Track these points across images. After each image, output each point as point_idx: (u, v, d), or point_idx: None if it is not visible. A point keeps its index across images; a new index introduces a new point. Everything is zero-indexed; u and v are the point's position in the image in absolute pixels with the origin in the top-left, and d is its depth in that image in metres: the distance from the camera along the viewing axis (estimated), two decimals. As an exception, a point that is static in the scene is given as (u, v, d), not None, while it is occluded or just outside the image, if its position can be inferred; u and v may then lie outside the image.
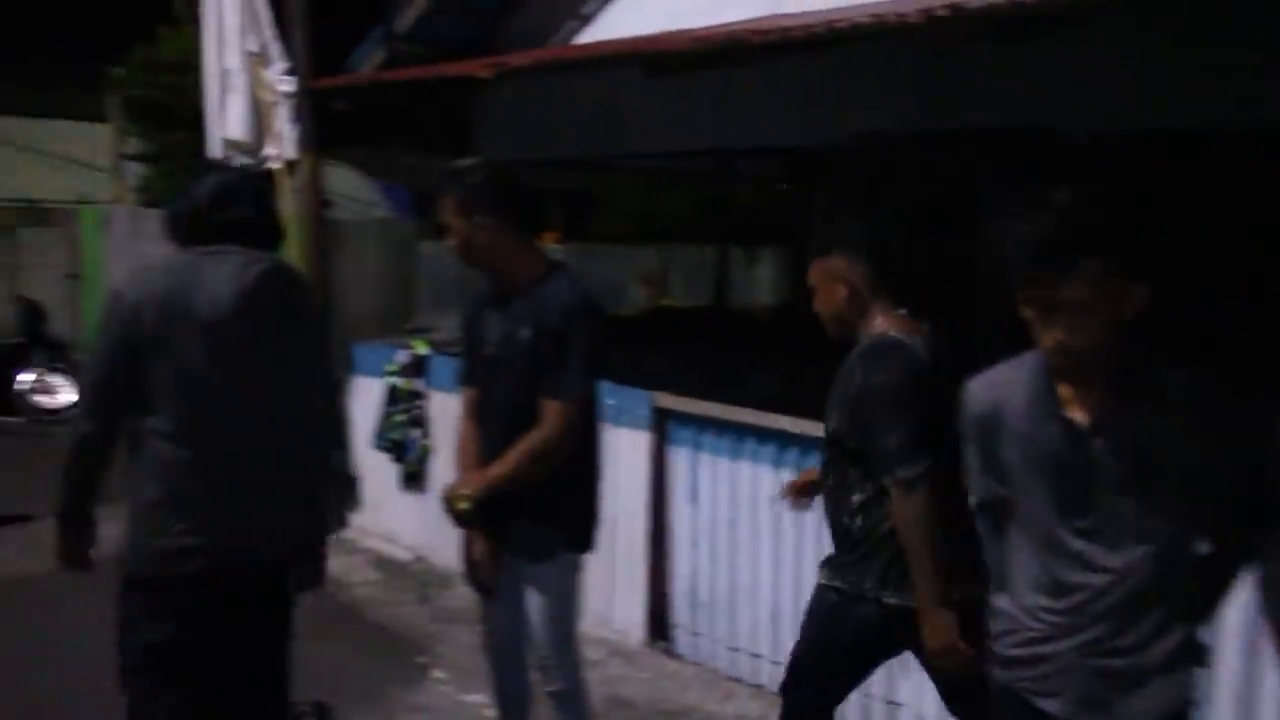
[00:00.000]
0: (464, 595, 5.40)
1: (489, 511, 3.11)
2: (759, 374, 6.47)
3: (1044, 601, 2.16)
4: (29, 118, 18.56)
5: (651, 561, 4.87)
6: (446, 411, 5.80)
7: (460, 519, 3.12)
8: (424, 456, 5.93)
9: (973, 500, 2.39)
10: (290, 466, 2.91)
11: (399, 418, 5.96)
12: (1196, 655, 2.17)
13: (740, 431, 4.50)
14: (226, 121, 6.77)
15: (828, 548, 3.99)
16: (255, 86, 6.72)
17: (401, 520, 6.20)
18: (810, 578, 4.12)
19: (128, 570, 2.82)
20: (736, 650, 4.58)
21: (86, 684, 3.71)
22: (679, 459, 4.79)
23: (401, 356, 6.01)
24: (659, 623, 4.88)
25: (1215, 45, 4.15)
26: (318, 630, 4.98)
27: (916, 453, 2.77)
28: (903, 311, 2.99)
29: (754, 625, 4.49)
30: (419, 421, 5.92)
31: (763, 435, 4.38)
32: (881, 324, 2.95)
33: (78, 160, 17.46)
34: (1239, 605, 2.84)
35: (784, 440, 4.29)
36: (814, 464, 4.04)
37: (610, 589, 4.95)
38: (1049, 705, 2.16)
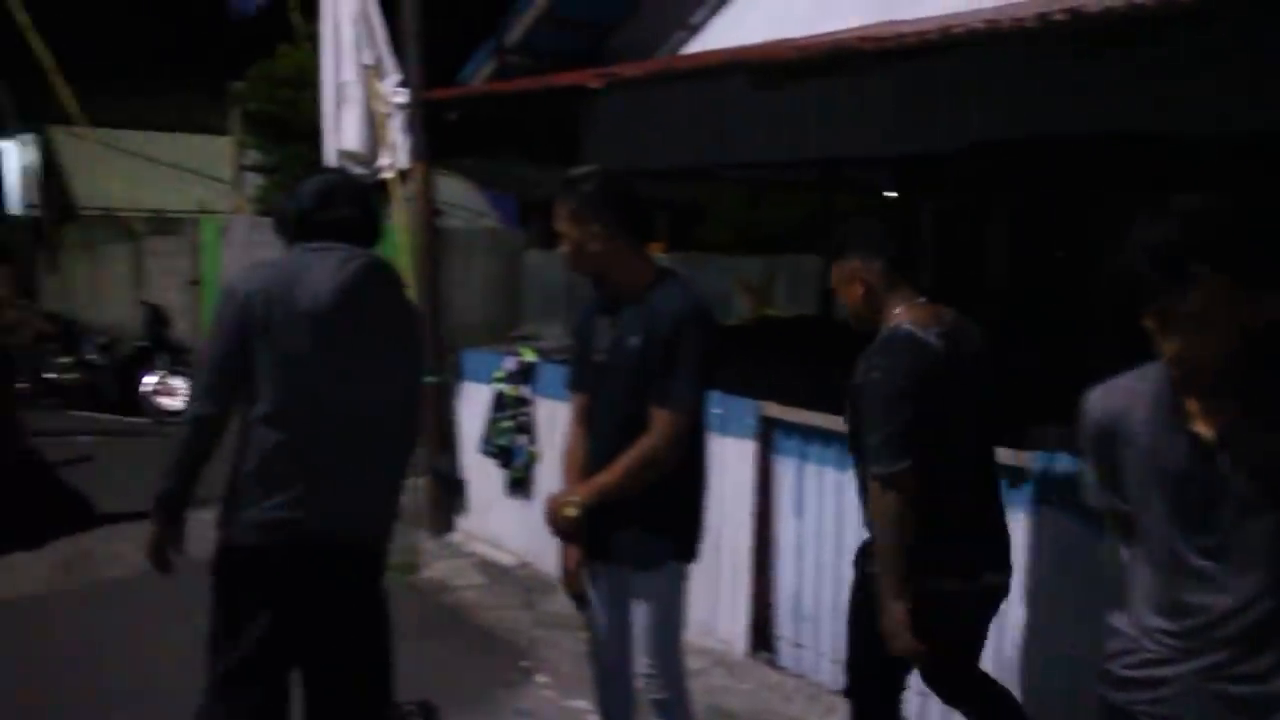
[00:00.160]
0: (568, 601, 5.43)
1: (596, 520, 3.12)
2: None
3: (1163, 623, 2.09)
4: (157, 131, 19.25)
5: (756, 572, 4.83)
6: (553, 418, 5.86)
7: (566, 528, 3.09)
8: (530, 462, 5.99)
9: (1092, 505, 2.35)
10: (379, 453, 3.06)
11: (506, 424, 6.02)
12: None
13: (846, 442, 4.43)
14: (342, 133, 6.94)
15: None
16: (370, 98, 6.88)
17: (507, 525, 6.27)
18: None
19: (221, 539, 2.98)
20: (841, 664, 4.52)
21: (194, 682, 3.84)
22: (785, 469, 4.75)
23: (509, 363, 6.08)
24: (762, 634, 4.84)
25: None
26: (424, 632, 5.11)
27: (897, 452, 2.90)
28: (922, 300, 3.08)
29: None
30: (526, 428, 5.98)
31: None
32: (899, 315, 3.05)
33: (201, 172, 18.06)
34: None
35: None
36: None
37: (714, 599, 4.93)
38: (1167, 730, 2.10)
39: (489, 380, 6.17)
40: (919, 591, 2.95)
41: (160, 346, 10.88)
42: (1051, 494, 3.69)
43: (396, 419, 3.12)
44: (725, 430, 4.77)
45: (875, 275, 3.09)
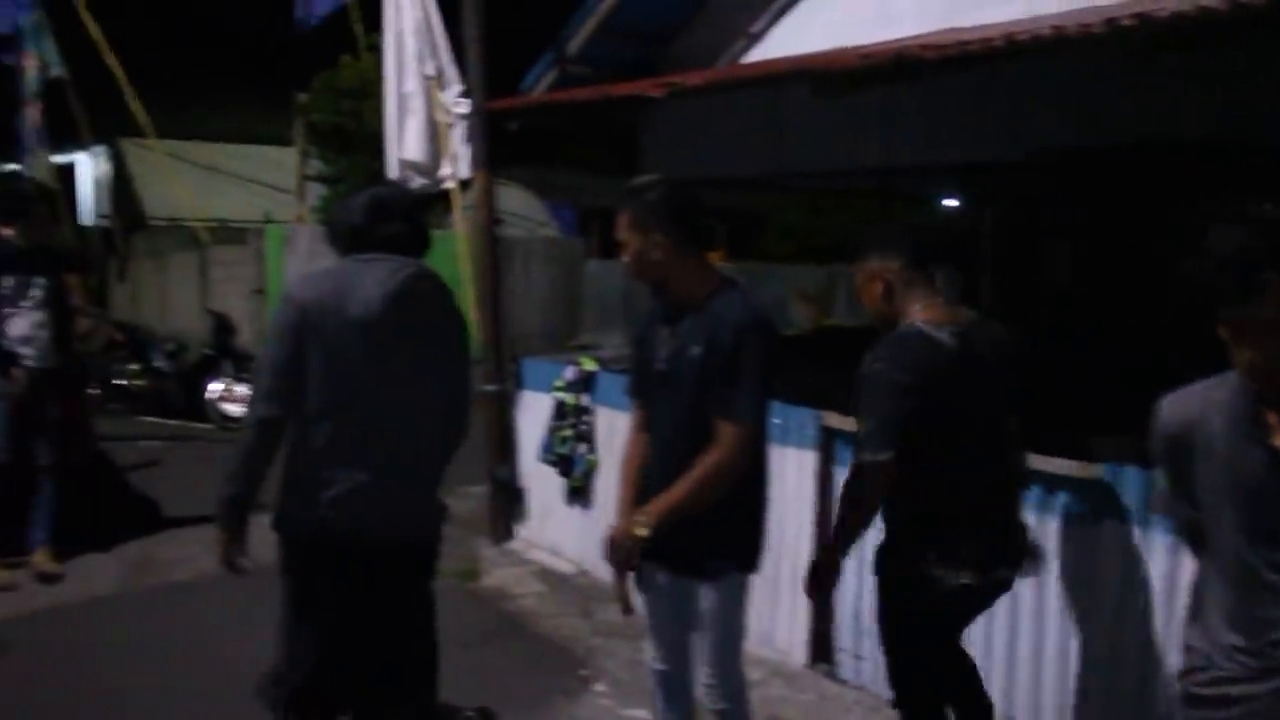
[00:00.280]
0: (626, 610, 5.45)
1: (661, 536, 3.14)
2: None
3: (1237, 639, 2.04)
4: (223, 143, 19.57)
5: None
6: (612, 427, 5.87)
7: (632, 552, 3.05)
8: (590, 471, 6.00)
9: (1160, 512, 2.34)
10: (424, 454, 3.23)
11: (566, 432, 6.04)
12: None
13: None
14: (404, 143, 7.02)
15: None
16: (432, 109, 6.95)
17: (566, 533, 6.28)
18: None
19: (278, 531, 3.20)
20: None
21: (247, 684, 3.89)
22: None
23: (569, 372, 6.09)
24: (822, 645, 4.81)
25: None
26: (484, 639, 5.14)
27: (883, 441, 3.01)
28: (939, 301, 3.18)
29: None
30: (585, 437, 5.99)
31: None
32: (915, 314, 3.16)
33: (265, 182, 18.33)
34: None
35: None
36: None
37: (773, 609, 4.91)
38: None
39: (549, 389, 6.20)
40: (926, 580, 3.11)
41: (225, 354, 11.05)
42: (1117, 505, 3.63)
43: (442, 422, 3.28)
44: (786, 440, 4.75)
45: (894, 275, 3.20)
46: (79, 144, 17.64)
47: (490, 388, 6.56)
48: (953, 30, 4.76)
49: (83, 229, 19.24)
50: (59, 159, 17.02)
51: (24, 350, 5.69)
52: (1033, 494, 3.83)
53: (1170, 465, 2.19)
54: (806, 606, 4.82)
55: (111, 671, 4.74)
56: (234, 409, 10.49)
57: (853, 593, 4.63)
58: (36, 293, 5.77)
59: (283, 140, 17.64)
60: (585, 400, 5.99)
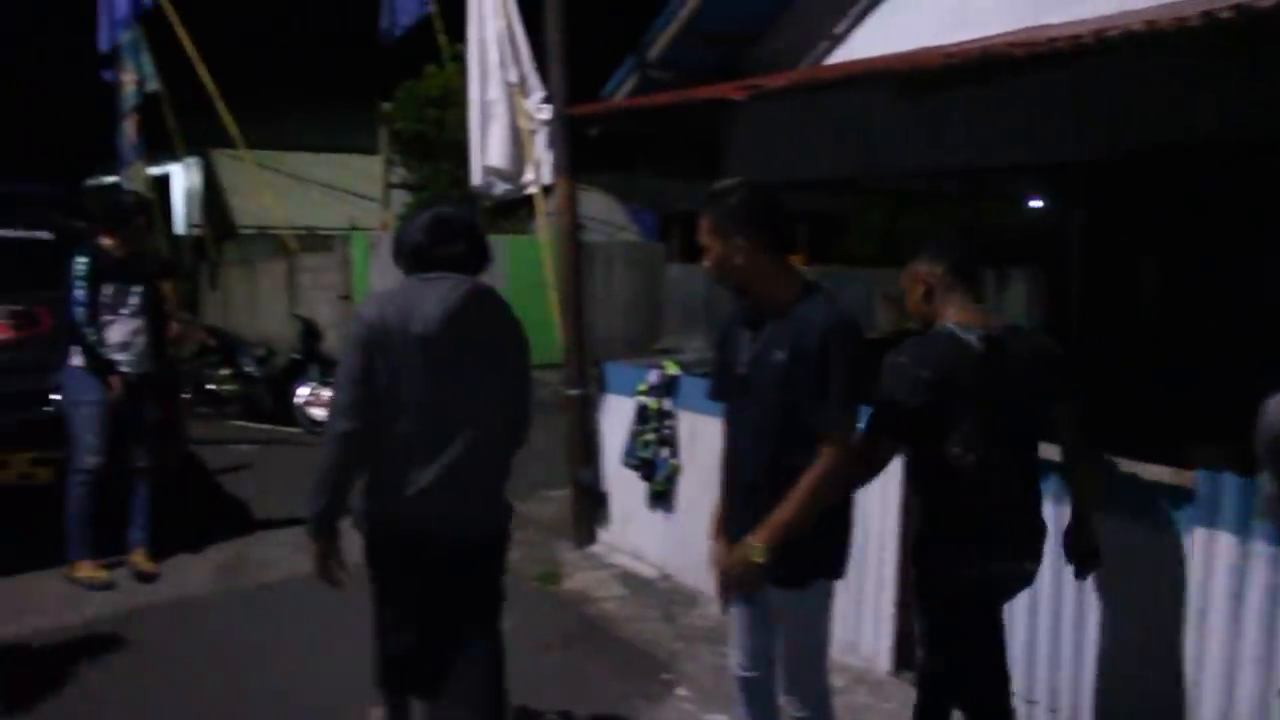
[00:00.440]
0: (709, 615, 5.43)
1: (744, 537, 3.12)
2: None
3: None
4: (309, 152, 19.97)
5: (901, 589, 4.74)
6: (695, 431, 5.86)
7: (754, 580, 3.05)
8: (672, 476, 5.99)
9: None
10: (488, 457, 3.40)
11: (648, 437, 6.04)
12: None
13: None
14: (487, 150, 7.09)
15: (1088, 582, 3.81)
16: (515, 115, 7.02)
17: (649, 537, 6.28)
18: (1071, 612, 3.96)
19: (359, 529, 3.41)
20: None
21: (341, 683, 3.95)
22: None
23: (652, 376, 6.09)
24: (907, 652, 4.74)
25: None
26: (566, 642, 5.16)
27: (871, 422, 3.17)
28: (976, 306, 3.33)
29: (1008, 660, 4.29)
30: (668, 441, 5.98)
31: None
32: (951, 315, 3.30)
33: (351, 190, 18.65)
34: None
35: (1044, 469, 4.08)
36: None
37: (858, 616, 4.86)
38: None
39: (632, 393, 6.20)
40: (952, 571, 3.29)
41: (312, 359, 11.24)
42: (1217, 513, 3.52)
43: (502, 428, 3.45)
44: (870, 444, 4.68)
45: (937, 279, 3.36)
46: (173, 155, 18.14)
47: (573, 392, 6.59)
48: (1040, 27, 4.67)
49: (176, 238, 19.76)
50: (154, 170, 17.51)
51: (121, 356, 5.85)
52: (1127, 500, 3.75)
53: (1277, 467, 2.12)
54: (892, 612, 4.77)
55: (206, 670, 4.85)
56: (321, 413, 10.66)
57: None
58: (134, 300, 5.94)
59: (368, 149, 17.94)
60: (668, 404, 5.98)
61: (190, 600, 5.77)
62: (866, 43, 6.54)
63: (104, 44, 13.93)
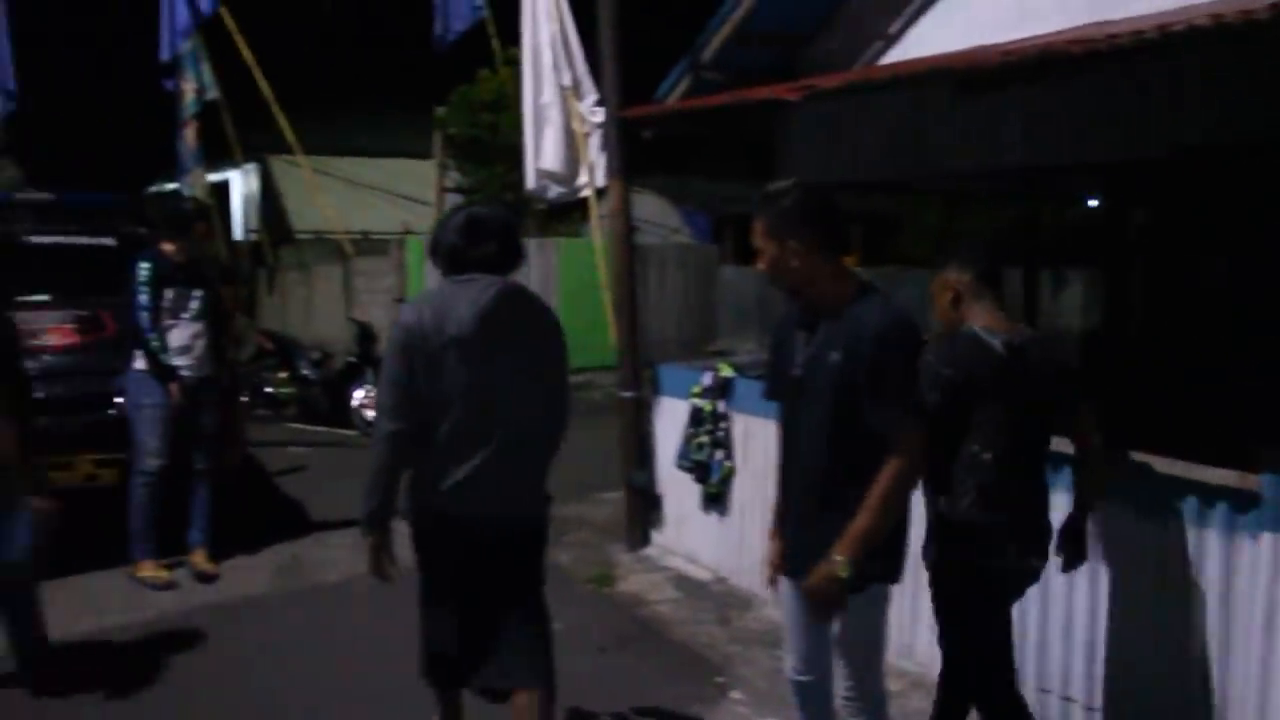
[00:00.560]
0: (763, 618, 5.41)
1: (801, 541, 3.12)
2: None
3: None
4: (366, 157, 20.17)
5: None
6: (749, 433, 5.84)
7: (840, 596, 3.02)
8: (727, 478, 5.97)
9: None
10: (526, 449, 3.53)
11: (703, 439, 6.02)
12: None
13: (1054, 463, 4.25)
14: (542, 152, 7.12)
15: (1146, 587, 3.75)
16: (569, 119, 7.04)
17: (703, 540, 6.27)
18: (1131, 621, 3.89)
19: (407, 519, 3.56)
20: (1047, 692, 4.33)
21: (397, 681, 3.98)
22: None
23: (706, 379, 6.07)
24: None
25: None
26: (620, 645, 5.16)
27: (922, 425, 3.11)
28: (1001, 314, 3.47)
29: (1066, 667, 4.23)
30: (722, 443, 5.96)
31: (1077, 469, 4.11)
32: (977, 320, 3.44)
33: (406, 194, 18.80)
34: None
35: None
36: (1142, 496, 3.82)
37: (914, 620, 4.80)
38: None
39: (686, 395, 6.19)
40: (967, 566, 3.41)
41: (368, 362, 11.33)
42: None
43: (539, 421, 3.56)
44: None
45: (965, 285, 3.48)
46: (232, 162, 18.40)
47: (627, 394, 6.59)
48: (1100, 24, 4.61)
49: (234, 243, 20.04)
50: (214, 177, 17.78)
51: (181, 360, 5.95)
52: (1187, 505, 3.68)
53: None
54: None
55: (265, 667, 4.92)
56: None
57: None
58: (194, 305, 6.03)
59: (422, 153, 18.08)
60: (722, 407, 5.96)
61: (249, 600, 5.85)
62: (921, 42, 6.48)
63: (165, 54, 14.18)
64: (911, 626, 4.81)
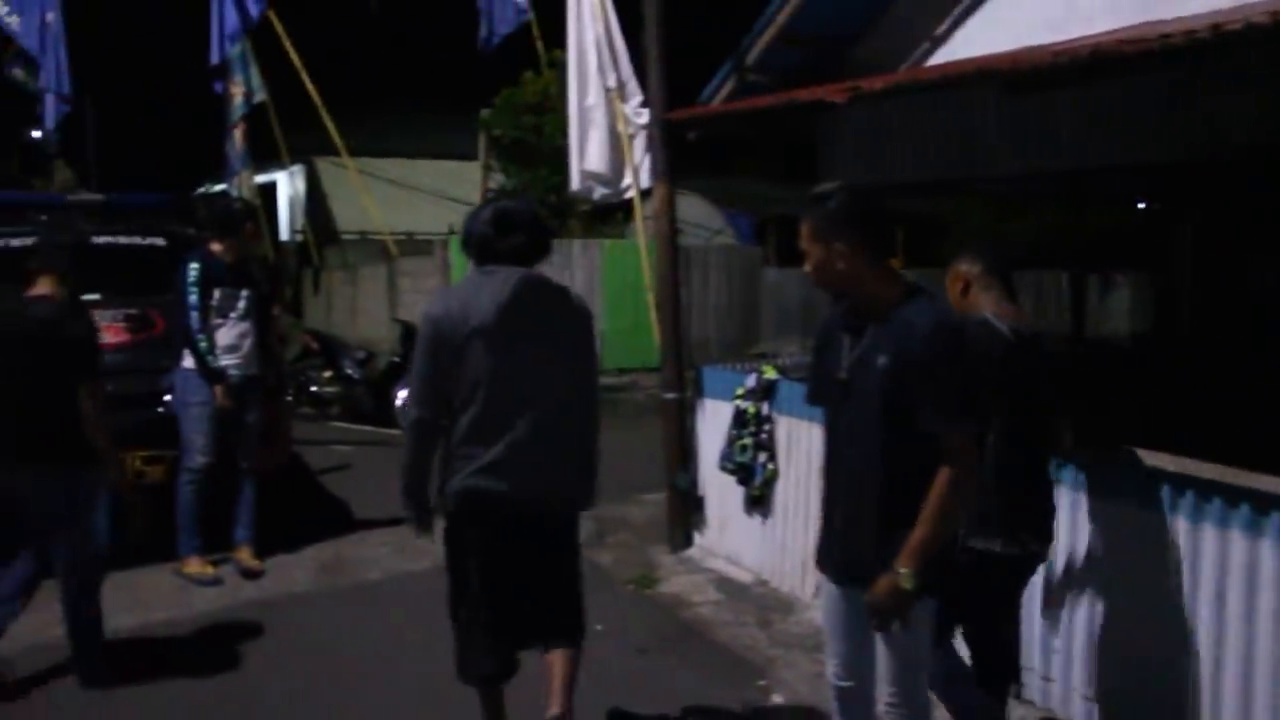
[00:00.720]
0: (805, 621, 5.39)
1: (847, 547, 3.10)
2: (1119, 407, 6.07)
3: None
4: (411, 159, 20.32)
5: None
6: (792, 437, 5.81)
7: (905, 607, 2.98)
8: (770, 481, 5.94)
9: None
10: (552, 433, 3.64)
11: (746, 441, 6.00)
12: None
13: (1105, 469, 4.19)
14: (587, 154, 7.13)
15: (1206, 594, 3.69)
16: (614, 120, 7.04)
17: (745, 542, 6.25)
18: (1184, 629, 3.83)
19: (442, 504, 3.71)
20: (1092, 702, 4.28)
21: (435, 683, 4.00)
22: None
23: (750, 381, 6.05)
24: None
25: None
26: (661, 647, 5.15)
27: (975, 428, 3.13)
28: (1010, 305, 3.65)
29: (1119, 679, 4.17)
30: (766, 446, 5.93)
31: (1131, 474, 4.05)
32: (988, 309, 3.60)
33: (450, 195, 18.92)
34: None
35: (1155, 479, 3.96)
36: (1188, 503, 3.76)
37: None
38: None
39: (730, 397, 6.16)
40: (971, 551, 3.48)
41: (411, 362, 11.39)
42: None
43: (565, 406, 3.69)
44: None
45: (975, 276, 3.69)
46: (279, 163, 18.60)
47: (670, 396, 6.58)
48: (1151, 24, 4.55)
49: (280, 243, 20.26)
50: (261, 178, 17.98)
51: (229, 359, 6.02)
52: (1241, 514, 3.62)
53: None
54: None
55: (308, 662, 4.96)
56: (420, 415, 10.80)
57: (1041, 611, 4.46)
58: (242, 304, 6.10)
59: (467, 155, 18.18)
60: (766, 409, 5.94)
61: (293, 597, 5.90)
62: (968, 43, 6.42)
63: (214, 57, 14.34)
64: (956, 634, 4.76)
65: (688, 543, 6.67)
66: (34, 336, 4.48)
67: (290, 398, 9.49)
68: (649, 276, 7.27)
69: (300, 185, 21.43)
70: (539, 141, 15.66)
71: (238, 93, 15.11)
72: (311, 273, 18.56)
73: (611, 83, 7.08)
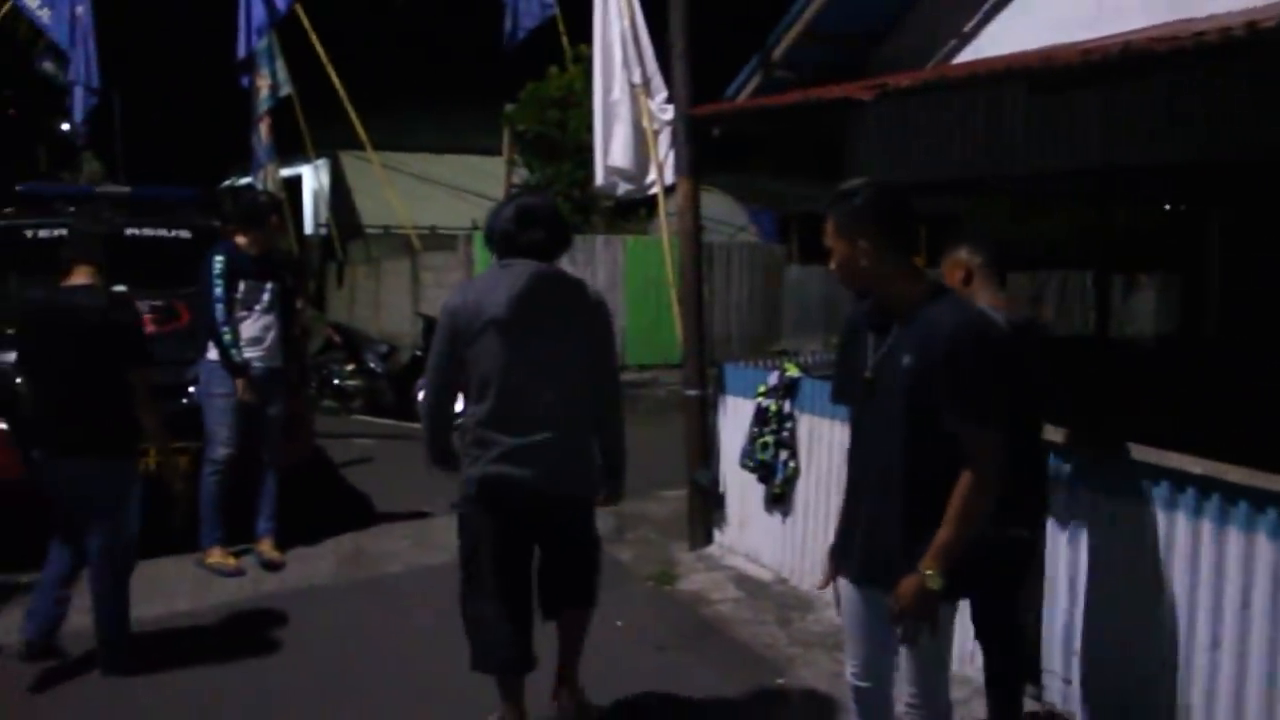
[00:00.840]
0: (824, 620, 5.36)
1: (867, 547, 3.08)
2: (1145, 409, 6.02)
3: None
4: (435, 153, 20.37)
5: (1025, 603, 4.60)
6: (814, 435, 5.79)
7: (932, 608, 2.96)
8: (791, 479, 5.92)
9: None
10: (569, 420, 3.76)
11: (767, 439, 5.98)
12: None
13: (1129, 471, 4.16)
14: (611, 150, 7.12)
15: (1228, 599, 3.65)
16: (639, 116, 7.03)
17: (766, 540, 6.23)
18: (1207, 635, 3.79)
19: (460, 490, 3.83)
20: (1115, 705, 4.25)
21: (454, 675, 4.01)
22: (1057, 497, 4.49)
23: (772, 378, 6.03)
24: (1029, 667, 4.60)
25: None
26: (681, 644, 5.14)
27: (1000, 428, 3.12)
28: (1004, 295, 3.86)
29: (1141, 682, 4.14)
30: (787, 444, 5.91)
31: (1156, 477, 4.02)
32: (985, 299, 3.73)
33: (474, 190, 18.95)
34: None
35: (1179, 481, 3.92)
36: (1214, 509, 3.72)
37: (979, 626, 4.73)
38: None
39: (752, 394, 6.15)
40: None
41: (434, 356, 11.41)
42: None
43: (582, 398, 3.80)
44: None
45: (976, 267, 3.86)
46: (304, 157, 18.66)
47: (692, 393, 6.57)
48: (1183, 21, 4.50)
49: (304, 236, 20.34)
50: (286, 172, 18.05)
51: (253, 352, 6.04)
52: (1265, 518, 3.58)
53: None
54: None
55: (329, 653, 4.98)
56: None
57: (1063, 613, 4.42)
58: (266, 297, 6.12)
59: (491, 150, 18.21)
60: (788, 407, 5.92)
61: (314, 588, 5.93)
62: (996, 40, 6.38)
63: (241, 51, 14.39)
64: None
65: (708, 540, 6.65)
66: (81, 324, 4.51)
67: (313, 391, 9.54)
68: (671, 273, 7.25)
69: (325, 179, 21.50)
70: (563, 137, 15.66)
71: (264, 86, 15.16)
72: (335, 266, 18.62)
73: (637, 78, 7.07)
